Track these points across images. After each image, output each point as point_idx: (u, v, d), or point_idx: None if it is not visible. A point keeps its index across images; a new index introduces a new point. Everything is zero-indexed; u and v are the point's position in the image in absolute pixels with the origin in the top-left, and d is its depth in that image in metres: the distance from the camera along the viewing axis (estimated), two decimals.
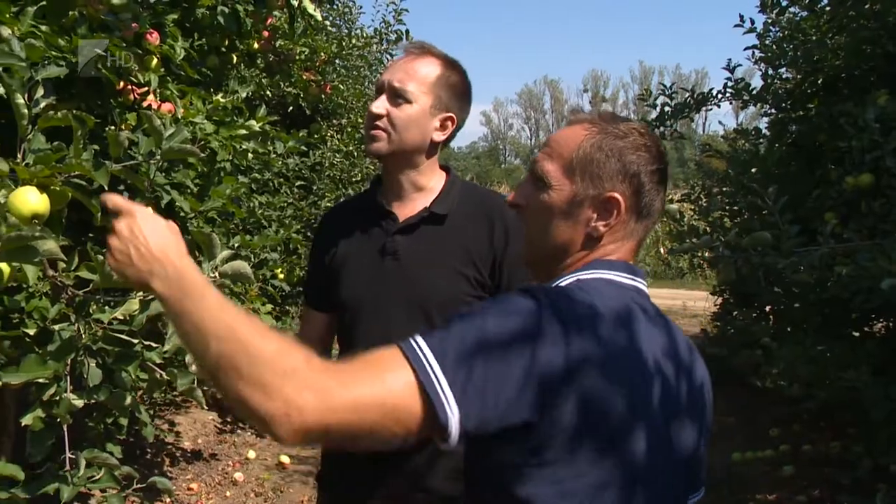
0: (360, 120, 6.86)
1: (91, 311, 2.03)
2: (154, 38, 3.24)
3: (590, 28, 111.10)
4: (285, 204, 5.99)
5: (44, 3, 2.26)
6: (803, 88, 5.44)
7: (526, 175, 1.45)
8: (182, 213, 3.53)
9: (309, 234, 6.14)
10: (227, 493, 5.36)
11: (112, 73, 2.94)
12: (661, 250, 20.72)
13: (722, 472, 5.81)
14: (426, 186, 2.14)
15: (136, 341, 2.00)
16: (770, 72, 5.41)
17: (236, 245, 4.17)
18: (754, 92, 5.30)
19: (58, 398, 1.87)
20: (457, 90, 2.11)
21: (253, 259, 5.14)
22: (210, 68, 3.94)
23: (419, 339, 1.11)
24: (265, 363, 1.05)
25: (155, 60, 3.25)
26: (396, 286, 2.07)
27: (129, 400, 2.01)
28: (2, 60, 1.70)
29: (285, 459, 5.91)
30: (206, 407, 1.71)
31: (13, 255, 1.55)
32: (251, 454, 5.99)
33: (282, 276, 5.80)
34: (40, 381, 1.95)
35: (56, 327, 2.12)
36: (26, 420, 1.86)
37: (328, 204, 6.43)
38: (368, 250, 2.13)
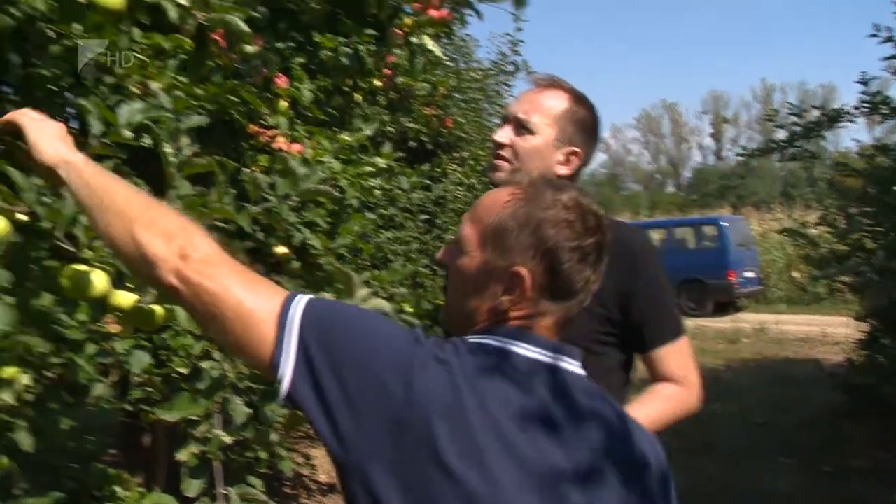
0: (480, 152, 6.91)
1: None
2: (282, 81, 3.36)
3: (708, 48, 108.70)
4: (410, 238, 6.08)
5: (184, 56, 2.36)
6: None
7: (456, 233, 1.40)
8: (314, 251, 3.63)
9: (435, 267, 6.21)
10: None
11: (244, 116, 3.07)
12: (796, 275, 19.84)
13: None
14: None
15: None
16: None
17: (366, 281, 4.24)
18: (894, 106, 5.01)
19: (209, 435, 1.93)
20: (583, 125, 2.08)
21: (382, 294, 5.22)
22: (334, 108, 4.05)
23: (309, 296, 1.24)
24: (177, 220, 1.31)
25: (284, 103, 3.37)
26: None
27: (274, 436, 2.06)
28: (153, 113, 1.80)
29: None
30: None
31: (167, 297, 1.61)
32: None
33: (410, 309, 5.86)
34: (192, 418, 2.02)
35: (204, 365, 2.20)
36: (181, 456, 1.93)
37: (451, 237, 6.48)
38: None
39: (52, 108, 2.18)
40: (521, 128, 2.04)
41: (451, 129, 6.39)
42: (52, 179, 1.45)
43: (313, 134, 3.53)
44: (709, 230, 17.45)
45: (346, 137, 3.67)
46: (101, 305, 1.90)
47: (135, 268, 1.31)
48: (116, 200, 1.32)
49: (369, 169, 3.64)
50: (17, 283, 1.89)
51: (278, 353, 1.17)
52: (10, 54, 1.87)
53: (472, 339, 1.25)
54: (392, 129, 5.53)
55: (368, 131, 3.65)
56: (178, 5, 2.16)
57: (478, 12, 4.69)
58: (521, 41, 8.10)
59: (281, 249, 3.37)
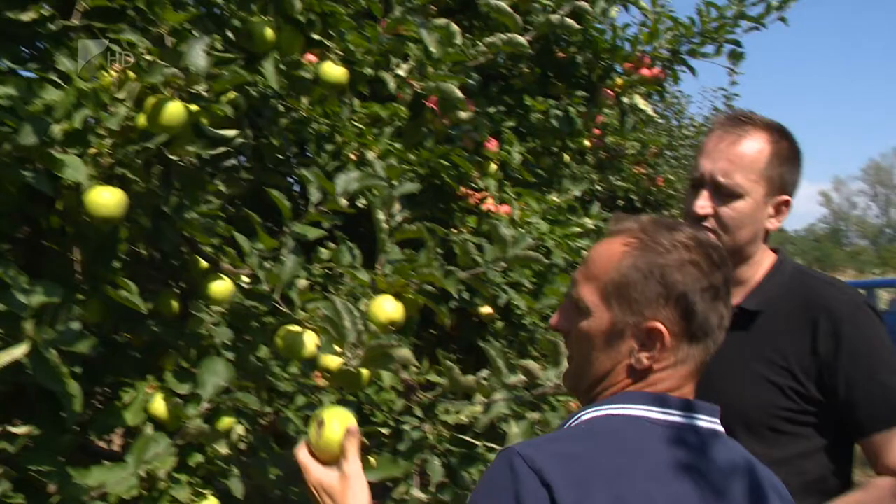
0: None
1: (437, 412, 2.13)
2: (493, 145, 3.43)
3: None
4: None
5: (399, 124, 2.46)
6: None
7: (567, 295, 1.27)
8: (518, 311, 3.63)
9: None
10: None
11: (454, 180, 3.15)
12: None
13: None
14: (749, 278, 1.78)
15: (478, 443, 2.05)
16: None
17: None
18: None
19: (406, 497, 1.96)
20: (790, 161, 1.75)
21: None
22: (543, 169, 4.08)
23: None
24: None
25: (493, 166, 3.43)
26: (700, 397, 1.84)
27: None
28: (368, 182, 1.88)
29: None
30: None
31: (373, 362, 1.67)
32: None
33: None
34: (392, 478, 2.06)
35: (406, 426, 2.24)
36: None
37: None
38: None
39: (278, 176, 2.33)
40: (725, 194, 1.71)
41: (661, 188, 6.26)
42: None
43: (521, 195, 3.56)
44: None
45: (555, 198, 3.68)
46: (311, 364, 1.99)
47: None
48: None
49: (577, 229, 3.61)
50: (237, 339, 2.02)
51: None
52: (246, 129, 2.01)
53: (600, 411, 1.18)
54: (600, 189, 5.50)
55: (576, 191, 3.63)
56: (397, 76, 2.27)
57: (692, 69, 4.59)
58: (737, 95, 7.88)
59: (485, 309, 3.40)
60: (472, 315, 3.42)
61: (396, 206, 2.03)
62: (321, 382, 2.91)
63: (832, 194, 65.00)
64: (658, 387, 1.19)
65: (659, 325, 1.16)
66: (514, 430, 2.10)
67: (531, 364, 1.72)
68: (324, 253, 2.07)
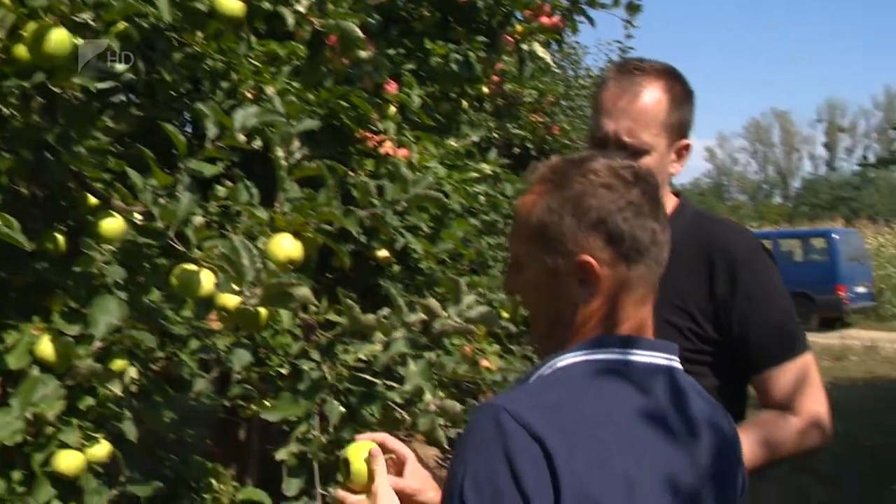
0: None
1: (337, 352, 2.13)
2: (392, 87, 3.39)
3: (823, 54, 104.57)
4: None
5: (297, 63, 2.40)
6: None
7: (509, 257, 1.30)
8: (415, 255, 3.64)
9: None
10: None
11: (353, 122, 3.11)
12: None
13: None
14: None
15: (378, 381, 2.06)
16: None
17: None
18: None
19: (310, 436, 1.96)
20: (686, 105, 1.80)
21: (481, 300, 5.20)
22: (442, 114, 4.06)
23: None
24: None
25: (392, 109, 3.40)
26: None
27: None
28: (267, 118, 1.83)
29: None
30: (447, 446, 1.73)
31: (272, 301, 1.64)
32: None
33: (507, 315, 5.84)
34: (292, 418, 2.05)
35: (304, 367, 2.23)
36: (280, 455, 1.96)
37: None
38: None
39: (171, 112, 2.25)
40: (631, 152, 1.69)
41: (556, 137, 6.32)
42: None
43: (420, 139, 3.55)
44: (818, 243, 16.90)
45: (453, 143, 3.68)
46: (207, 303, 1.94)
47: None
48: None
49: (474, 175, 3.63)
50: (129, 279, 1.96)
51: None
52: (138, 62, 1.93)
53: (562, 360, 1.17)
54: (497, 136, 5.53)
55: (475, 137, 3.64)
56: (296, 12, 2.20)
57: (591, 19, 4.63)
58: (631, 48, 7.97)
59: (383, 253, 3.39)
60: (369, 258, 3.42)
61: (295, 144, 1.99)
62: (216, 325, 2.86)
63: (716, 150, 67.08)
64: (615, 321, 1.18)
65: (586, 257, 1.15)
66: (412, 368, 2.12)
67: (432, 302, 1.73)
68: (220, 191, 2.02)
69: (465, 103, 4.33)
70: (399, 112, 3.48)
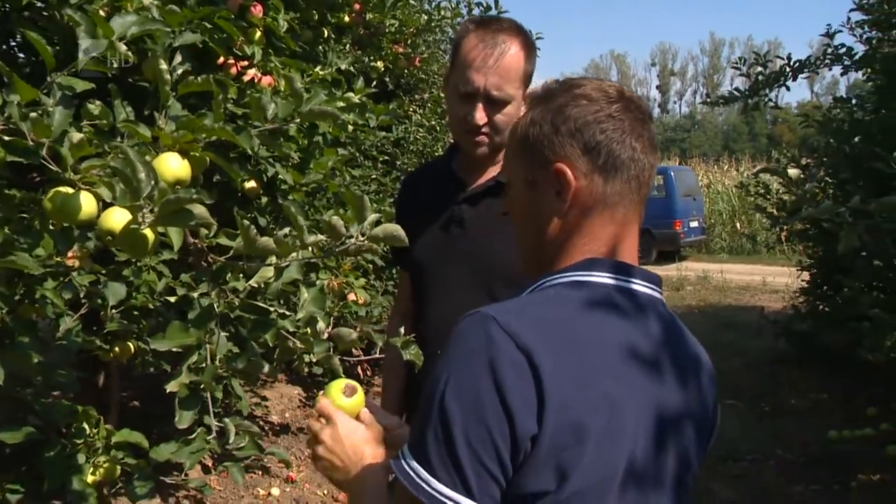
0: (442, 95, 6.80)
1: (228, 279, 2.03)
2: (258, 10, 3.23)
3: (658, 1, 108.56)
4: (369, 179, 5.98)
5: None
6: None
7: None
8: (284, 186, 3.53)
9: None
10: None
11: (219, 45, 2.94)
12: (738, 225, 20.34)
13: (819, 450, 5.67)
14: (502, 158, 2.07)
15: (271, 309, 1.99)
16: (879, 35, 5.18)
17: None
18: (856, 57, 5.07)
19: (203, 365, 1.86)
20: (533, 56, 2.09)
21: None
22: (304, 42, 3.92)
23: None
24: None
25: (258, 33, 3.24)
26: (460, 254, 2.11)
27: (266, 368, 2.00)
28: (149, 26, 1.68)
29: None
30: (342, 375, 1.69)
31: (169, 219, 1.53)
32: None
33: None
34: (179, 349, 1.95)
35: (195, 294, 2.12)
36: (171, 387, 1.86)
37: None
38: (438, 217, 2.18)
39: (30, 24, 2.05)
40: (497, 103, 2.04)
41: (418, 69, 6.27)
42: None
43: (287, 66, 3.41)
44: (656, 180, 17.73)
45: (320, 72, 3.56)
46: (88, 228, 1.80)
47: None
48: None
49: (341, 104, 3.53)
50: None
51: None
52: None
53: (554, 280, 1.16)
54: (354, 70, 5.39)
55: (343, 65, 3.54)
56: None
57: None
58: None
59: (250, 184, 3.27)
60: (235, 190, 3.28)
61: (178, 57, 1.85)
62: (73, 262, 2.68)
63: None
64: (596, 239, 1.17)
65: (560, 165, 1.15)
66: (305, 295, 2.05)
67: (335, 220, 1.66)
68: (93, 108, 1.85)
69: (325, 32, 4.20)
70: (265, 38, 3.32)
